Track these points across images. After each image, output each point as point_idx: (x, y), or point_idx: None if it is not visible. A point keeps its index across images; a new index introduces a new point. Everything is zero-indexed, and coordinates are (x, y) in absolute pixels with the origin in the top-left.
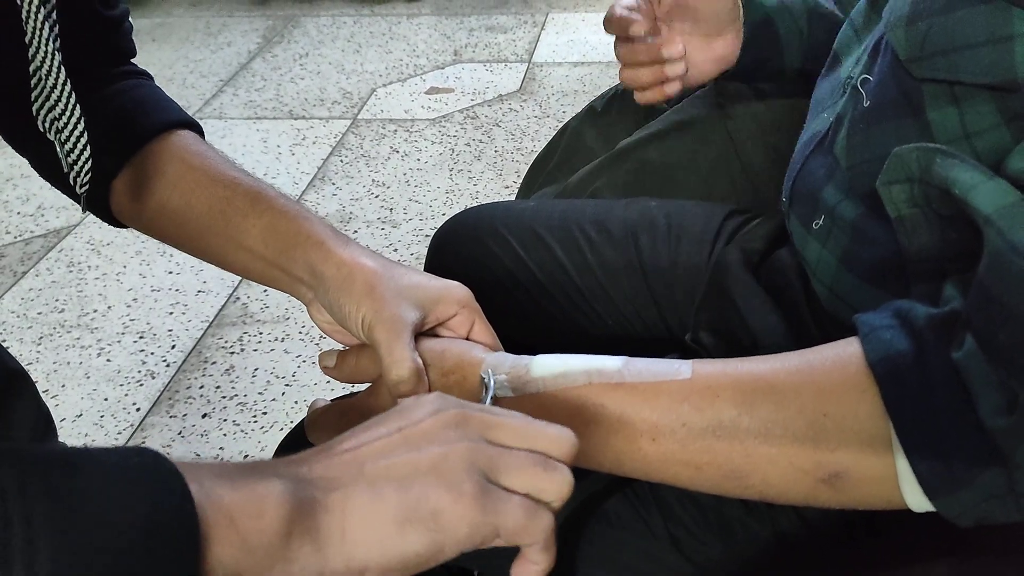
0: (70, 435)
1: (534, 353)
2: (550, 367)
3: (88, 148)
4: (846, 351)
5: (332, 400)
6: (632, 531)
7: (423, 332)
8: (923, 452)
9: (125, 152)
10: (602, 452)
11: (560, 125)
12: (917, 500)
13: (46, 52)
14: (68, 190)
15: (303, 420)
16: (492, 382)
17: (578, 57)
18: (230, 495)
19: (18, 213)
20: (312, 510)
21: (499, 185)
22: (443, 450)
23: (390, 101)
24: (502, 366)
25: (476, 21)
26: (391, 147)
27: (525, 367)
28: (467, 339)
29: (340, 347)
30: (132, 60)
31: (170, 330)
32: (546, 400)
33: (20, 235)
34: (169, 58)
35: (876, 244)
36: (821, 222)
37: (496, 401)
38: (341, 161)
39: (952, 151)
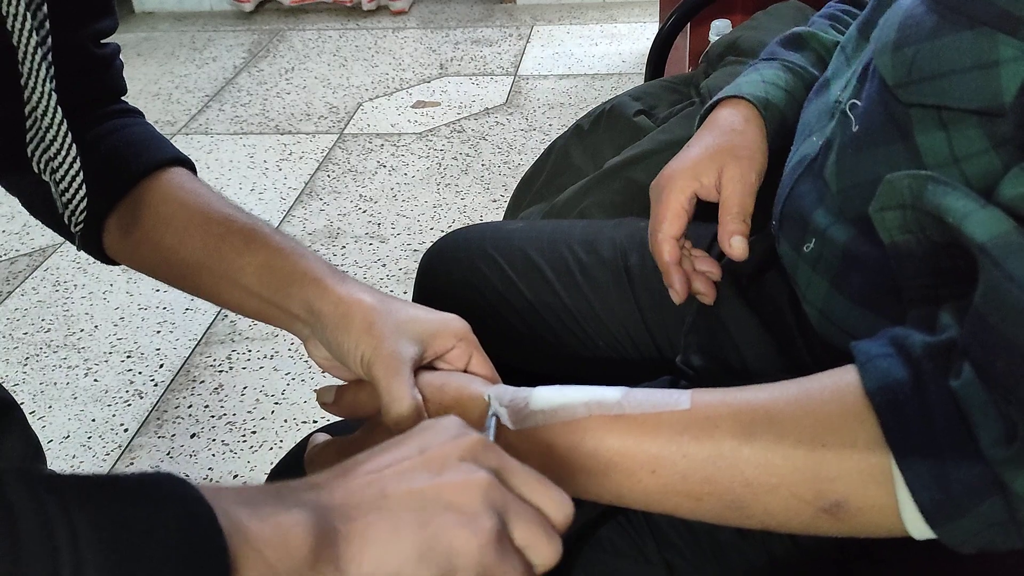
0: (57, 457)
1: (526, 376)
2: (549, 400)
3: (83, 187)
4: (843, 380)
5: (326, 431)
6: (627, 558)
7: (421, 366)
8: (923, 481)
9: (118, 190)
10: (603, 484)
11: (546, 138)
12: (919, 528)
13: (42, 92)
14: (60, 228)
15: (296, 446)
16: (493, 420)
17: (564, 70)
18: (256, 525)
19: (3, 231)
20: (333, 539)
21: (486, 199)
22: (464, 479)
23: (376, 115)
24: (502, 399)
25: (462, 34)
26: (378, 161)
27: (524, 400)
28: (465, 371)
29: (338, 381)
30: (122, 98)
31: (158, 349)
32: (546, 433)
33: (5, 254)
34: (154, 73)
35: (867, 267)
36: (812, 245)
37: (498, 435)
38: (328, 176)
39: (944, 178)
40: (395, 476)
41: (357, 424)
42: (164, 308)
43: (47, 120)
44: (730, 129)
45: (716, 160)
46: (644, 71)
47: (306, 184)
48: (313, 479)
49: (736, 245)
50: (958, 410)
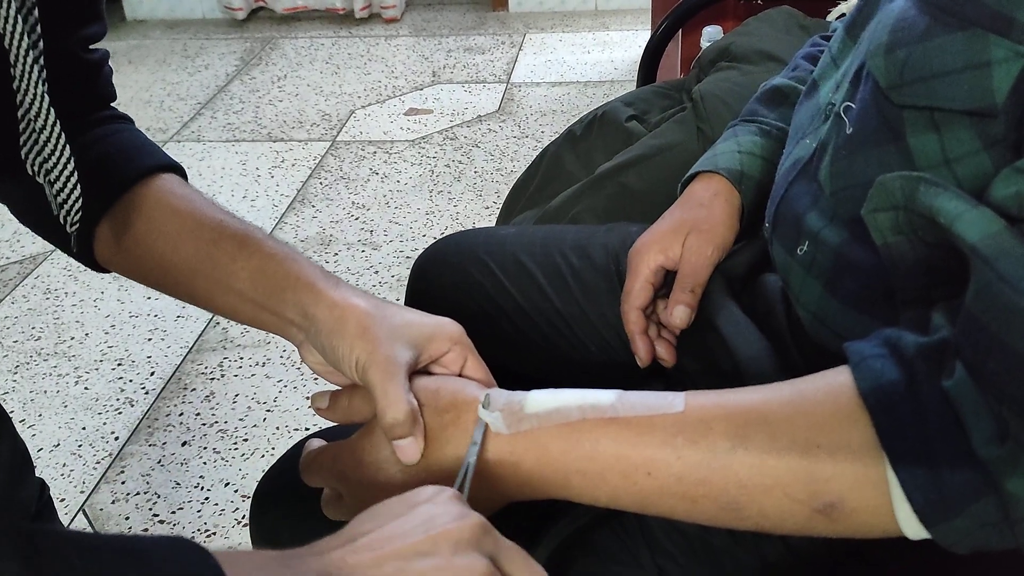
0: (48, 465)
1: (519, 380)
2: (544, 403)
3: (78, 188)
4: (837, 380)
5: (321, 436)
6: (620, 563)
7: (416, 370)
8: (917, 481)
9: (108, 197)
10: (599, 487)
11: (539, 145)
12: (913, 528)
13: (35, 95)
14: (49, 235)
15: (287, 452)
16: (482, 428)
17: (556, 77)
18: None
19: None
20: None
21: (479, 206)
22: (467, 565)
23: (369, 122)
24: (496, 403)
25: (454, 42)
26: (371, 168)
27: (519, 404)
28: (460, 375)
29: (332, 386)
30: (112, 104)
31: (149, 357)
32: (541, 436)
33: None
34: (146, 81)
35: (860, 270)
36: (805, 248)
37: (485, 443)
38: (321, 183)
39: (935, 179)
40: (400, 555)
41: (352, 428)
42: (155, 315)
43: (40, 122)
44: (697, 204)
45: (680, 233)
46: (636, 78)
47: (298, 191)
48: (318, 546)
49: (677, 314)
50: (951, 410)
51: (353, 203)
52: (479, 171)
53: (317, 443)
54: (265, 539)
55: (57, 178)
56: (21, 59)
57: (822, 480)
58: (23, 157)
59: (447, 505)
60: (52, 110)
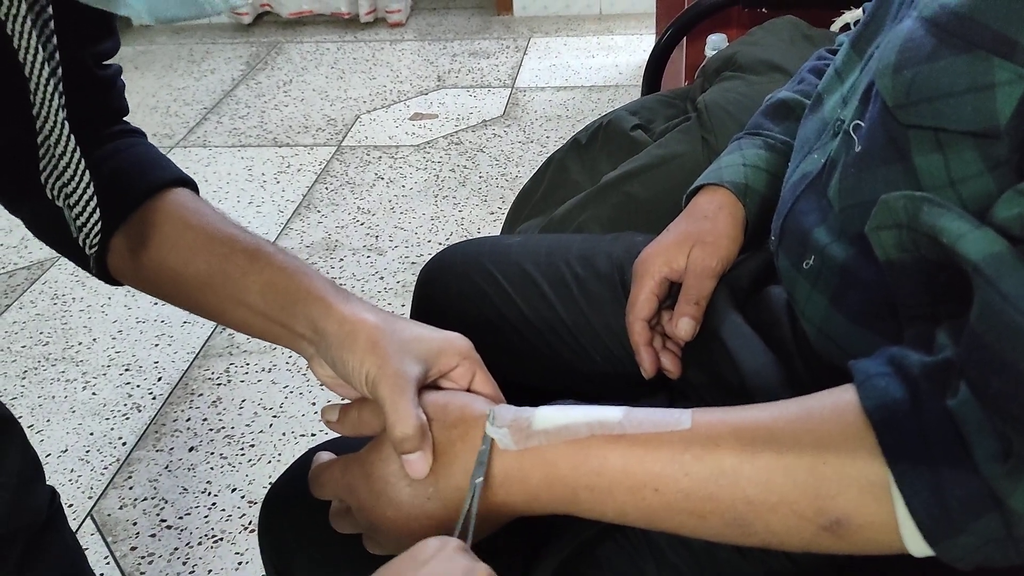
0: (56, 471)
1: (523, 390)
2: (552, 420)
3: (97, 211)
4: (843, 399)
5: (329, 447)
6: None
7: (425, 385)
8: (921, 499)
9: (122, 212)
10: (606, 502)
11: (543, 150)
12: (918, 546)
13: (55, 122)
14: (64, 249)
15: (295, 462)
16: (488, 444)
17: (560, 82)
18: None
19: (1, 245)
20: None
21: (484, 211)
22: None
23: (374, 127)
24: (504, 419)
25: (459, 47)
26: (376, 174)
27: (527, 420)
28: (469, 390)
29: (340, 399)
30: (124, 118)
31: (156, 362)
32: (549, 452)
33: (3, 267)
34: (152, 86)
35: (866, 286)
36: (811, 262)
37: (491, 459)
38: (326, 188)
39: (939, 200)
40: None
41: (359, 440)
42: (162, 321)
43: (60, 148)
44: (702, 216)
45: (685, 245)
46: (641, 83)
47: (304, 197)
48: None
49: (682, 326)
50: (954, 428)
51: (358, 208)
52: (484, 176)
53: (326, 456)
54: (273, 547)
55: (77, 201)
56: (42, 87)
57: (828, 497)
58: (43, 181)
59: (454, 558)
60: (72, 137)
